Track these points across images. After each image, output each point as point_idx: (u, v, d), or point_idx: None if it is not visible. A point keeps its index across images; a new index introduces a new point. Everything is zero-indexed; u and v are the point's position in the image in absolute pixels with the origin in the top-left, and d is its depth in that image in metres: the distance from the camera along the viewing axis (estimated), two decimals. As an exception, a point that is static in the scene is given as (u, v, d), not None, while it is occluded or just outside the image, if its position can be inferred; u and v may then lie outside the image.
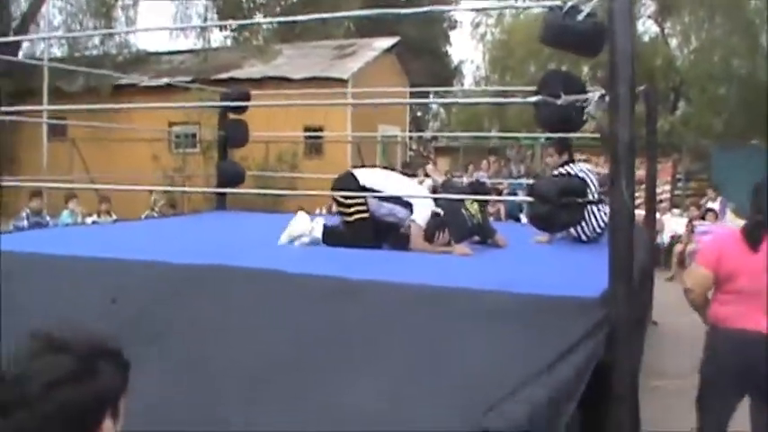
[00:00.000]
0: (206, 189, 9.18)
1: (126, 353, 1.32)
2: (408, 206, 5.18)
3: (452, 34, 30.85)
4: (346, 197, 5.21)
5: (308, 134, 16.97)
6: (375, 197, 5.21)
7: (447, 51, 31.35)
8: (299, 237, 5.19)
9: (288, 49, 19.63)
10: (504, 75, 27.91)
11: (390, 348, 3.24)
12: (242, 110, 8.43)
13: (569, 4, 3.61)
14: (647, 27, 23.32)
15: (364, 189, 5.22)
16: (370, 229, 5.15)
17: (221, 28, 21.48)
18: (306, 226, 5.22)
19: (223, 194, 8.95)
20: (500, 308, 3.36)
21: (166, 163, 17.01)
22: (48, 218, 9.79)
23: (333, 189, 5.45)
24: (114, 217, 10.68)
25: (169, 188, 15.14)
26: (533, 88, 4.02)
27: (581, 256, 5.43)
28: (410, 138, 21.90)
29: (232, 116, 8.80)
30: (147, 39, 25.36)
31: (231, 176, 8.58)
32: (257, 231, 6.28)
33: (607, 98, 3.37)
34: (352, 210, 5.17)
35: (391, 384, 3.09)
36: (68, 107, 13.03)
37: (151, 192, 13.77)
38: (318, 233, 5.19)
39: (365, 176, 5.33)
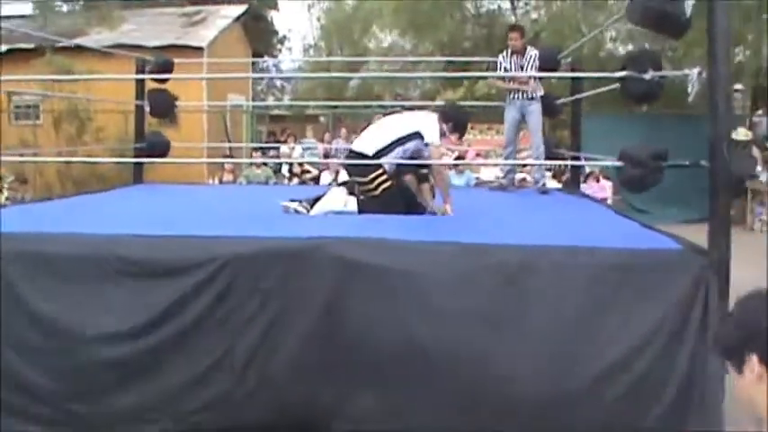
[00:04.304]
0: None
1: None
2: (416, 136, 5.28)
3: (279, 2, 30.55)
4: (364, 174, 5.23)
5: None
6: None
7: (272, 19, 31.04)
8: (331, 210, 5.24)
9: (132, 15, 18.70)
10: (332, 43, 28.37)
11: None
12: (165, 78, 8.13)
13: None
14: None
15: (377, 155, 5.20)
16: (398, 197, 5.24)
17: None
18: (341, 200, 5.27)
19: (141, 168, 8.61)
20: (622, 263, 3.72)
21: (8, 138, 15.67)
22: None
23: (351, 175, 5.48)
24: (6, 194, 9.91)
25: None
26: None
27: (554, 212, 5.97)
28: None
29: (154, 85, 8.43)
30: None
31: (159, 147, 8.33)
32: (247, 204, 6.14)
33: (704, 74, 3.82)
34: (375, 183, 5.18)
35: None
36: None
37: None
38: (352, 206, 5.24)
39: (365, 145, 5.34)
